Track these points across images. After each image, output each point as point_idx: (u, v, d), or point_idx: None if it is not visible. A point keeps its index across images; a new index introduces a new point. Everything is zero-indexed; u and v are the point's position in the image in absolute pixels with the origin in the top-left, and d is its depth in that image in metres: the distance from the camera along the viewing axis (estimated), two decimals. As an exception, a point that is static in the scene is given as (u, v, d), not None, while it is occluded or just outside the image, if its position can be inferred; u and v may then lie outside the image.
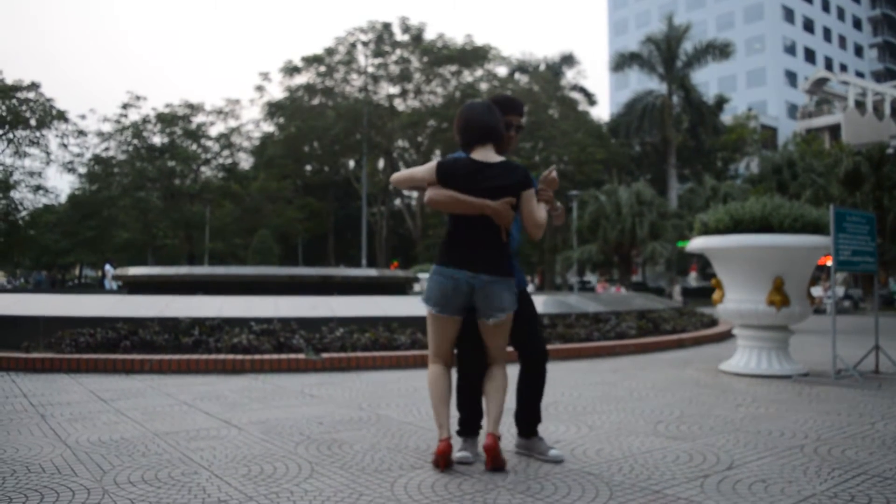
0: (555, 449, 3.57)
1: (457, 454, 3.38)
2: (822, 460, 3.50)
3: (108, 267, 33.31)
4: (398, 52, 41.43)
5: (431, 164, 3.38)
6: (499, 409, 3.38)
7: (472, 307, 3.35)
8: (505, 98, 3.65)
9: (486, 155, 3.35)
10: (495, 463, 3.29)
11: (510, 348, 3.54)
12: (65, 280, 58.40)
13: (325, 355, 7.09)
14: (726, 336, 11.04)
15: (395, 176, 3.54)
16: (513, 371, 3.52)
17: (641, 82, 48.09)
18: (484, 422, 3.53)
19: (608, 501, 2.85)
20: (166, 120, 40.63)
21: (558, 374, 6.70)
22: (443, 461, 3.25)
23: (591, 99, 49.38)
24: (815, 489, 3.01)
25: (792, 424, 4.40)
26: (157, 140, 41.40)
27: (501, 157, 3.39)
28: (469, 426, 3.58)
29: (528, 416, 3.62)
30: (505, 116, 3.53)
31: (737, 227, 6.92)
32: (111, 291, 20.71)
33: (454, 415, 3.56)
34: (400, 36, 41.30)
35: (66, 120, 37.20)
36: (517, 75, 46.98)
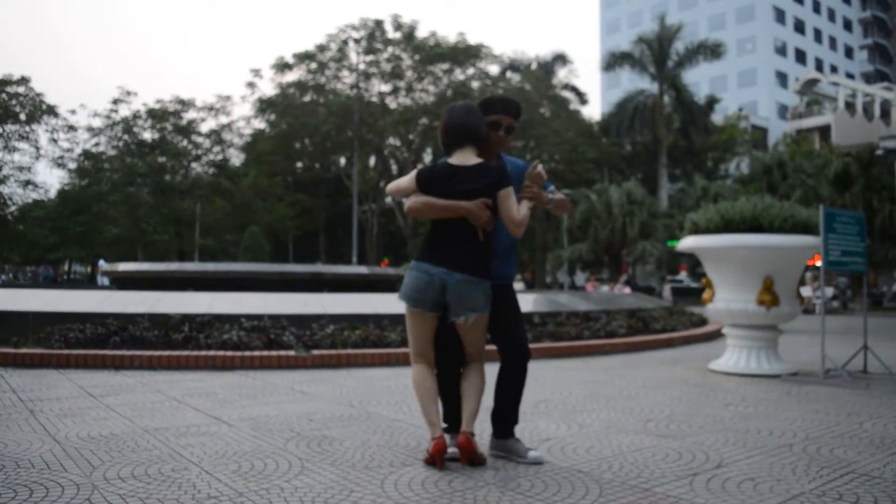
0: (534, 450, 3.47)
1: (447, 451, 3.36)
2: (810, 459, 3.52)
3: (101, 262, 33.13)
4: (390, 49, 41.32)
5: (412, 173, 3.45)
6: (473, 408, 3.37)
7: (445, 305, 3.34)
8: (496, 98, 3.62)
9: (464, 158, 3.37)
10: (470, 459, 3.30)
11: (492, 346, 3.51)
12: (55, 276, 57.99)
13: (315, 352, 7.08)
14: (716, 335, 11.08)
15: (388, 187, 3.60)
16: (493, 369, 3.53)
17: (633, 82, 48.17)
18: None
19: (598, 499, 2.86)
20: (157, 116, 40.41)
21: (548, 373, 6.71)
22: (439, 458, 3.25)
23: (582, 98, 49.42)
24: (803, 488, 3.03)
25: (781, 423, 4.43)
26: (148, 136, 41.17)
27: (479, 159, 3.38)
28: (454, 421, 3.57)
29: (506, 417, 3.54)
30: (494, 116, 3.50)
31: (727, 226, 6.94)
32: (103, 287, 20.61)
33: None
34: (392, 33, 41.21)
35: (55, 115, 37.04)
36: (509, 74, 46.97)
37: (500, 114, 3.52)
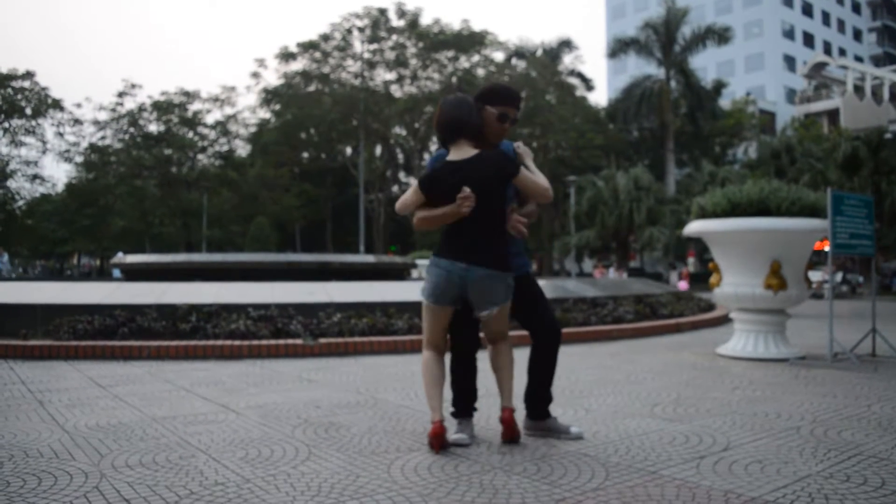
0: (574, 426, 3.62)
1: (453, 436, 3.39)
2: (817, 442, 3.51)
3: (120, 255, 33.33)
4: (394, 37, 41.22)
5: (414, 185, 3.46)
6: (510, 383, 3.49)
7: (465, 299, 3.40)
8: (503, 88, 3.60)
9: (462, 152, 3.38)
10: (512, 434, 3.42)
11: (521, 332, 3.64)
12: (63, 269, 58.30)
13: (322, 340, 7.09)
14: (724, 320, 11.04)
15: (397, 206, 3.58)
16: (521, 354, 3.57)
17: (639, 67, 47.83)
18: (496, 398, 3.62)
19: (604, 482, 2.86)
20: (162, 108, 40.51)
21: (556, 359, 6.71)
22: (437, 442, 3.28)
23: (588, 84, 49.20)
24: (810, 470, 3.02)
25: (788, 407, 4.41)
26: (154, 128, 41.31)
27: (474, 150, 3.38)
28: (463, 407, 3.62)
29: (543, 396, 3.64)
30: (502, 107, 3.46)
31: (734, 210, 6.89)
32: (118, 280, 20.71)
33: (447, 398, 3.62)
34: (396, 21, 41.09)
35: (61, 109, 37.19)
36: (514, 60, 46.78)
37: (509, 105, 3.50)
